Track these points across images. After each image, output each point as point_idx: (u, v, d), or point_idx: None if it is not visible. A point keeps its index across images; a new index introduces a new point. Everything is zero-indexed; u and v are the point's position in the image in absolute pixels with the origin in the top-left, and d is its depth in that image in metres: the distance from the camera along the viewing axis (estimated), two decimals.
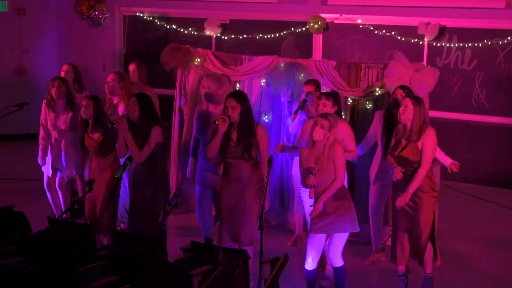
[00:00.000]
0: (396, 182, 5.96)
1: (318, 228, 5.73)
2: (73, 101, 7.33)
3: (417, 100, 5.87)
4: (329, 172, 5.65)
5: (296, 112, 6.99)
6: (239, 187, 5.94)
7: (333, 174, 5.66)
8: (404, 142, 5.88)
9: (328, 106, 6.44)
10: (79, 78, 8.01)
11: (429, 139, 5.82)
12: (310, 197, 5.73)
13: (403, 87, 6.59)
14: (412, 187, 5.83)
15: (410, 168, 5.88)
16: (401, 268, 6.11)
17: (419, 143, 5.81)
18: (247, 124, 5.89)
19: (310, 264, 5.81)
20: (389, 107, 6.64)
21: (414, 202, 5.89)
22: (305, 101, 6.95)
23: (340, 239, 5.77)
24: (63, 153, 7.33)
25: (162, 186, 6.18)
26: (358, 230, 5.85)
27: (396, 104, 6.41)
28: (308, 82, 7.09)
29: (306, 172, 5.70)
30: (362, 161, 7.03)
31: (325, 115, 5.73)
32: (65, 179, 7.43)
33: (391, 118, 6.51)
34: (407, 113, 5.79)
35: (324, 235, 5.78)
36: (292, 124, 7.16)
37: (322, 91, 7.02)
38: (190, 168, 7.09)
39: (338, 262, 5.82)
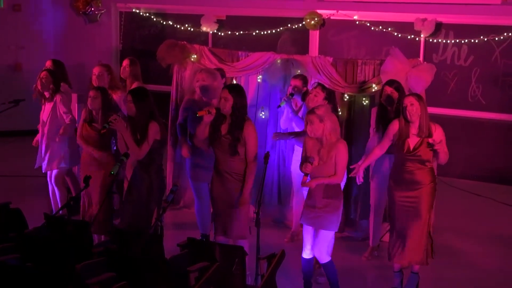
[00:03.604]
0: (398, 180, 5.99)
1: (306, 219, 5.78)
2: (55, 92, 7.31)
3: (419, 96, 5.92)
4: (328, 167, 5.65)
5: (279, 106, 7.09)
6: (228, 180, 5.94)
7: (333, 169, 5.66)
8: (413, 140, 5.87)
9: (319, 97, 6.48)
10: (62, 72, 7.92)
11: (441, 134, 5.88)
12: (302, 186, 5.75)
13: (390, 83, 6.63)
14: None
15: (417, 164, 5.89)
16: (397, 264, 6.12)
17: (430, 140, 5.83)
18: (239, 117, 5.86)
19: (308, 252, 5.84)
20: (381, 103, 6.67)
21: (415, 197, 5.89)
22: (291, 94, 6.98)
23: (325, 236, 5.76)
24: (44, 146, 7.34)
25: (158, 182, 6.16)
26: (337, 230, 5.84)
27: (390, 100, 6.48)
28: (296, 77, 7.13)
29: (305, 159, 5.71)
30: (359, 156, 7.03)
31: (311, 111, 5.72)
32: (57, 172, 7.44)
33: (385, 114, 6.58)
34: (415, 110, 5.80)
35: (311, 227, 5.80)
36: (282, 119, 7.20)
37: (318, 82, 7.04)
38: (185, 149, 6.87)
39: (324, 258, 5.82)
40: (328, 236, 5.78)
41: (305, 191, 6.26)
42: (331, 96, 6.67)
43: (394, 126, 5.99)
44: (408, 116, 5.82)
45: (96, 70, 7.43)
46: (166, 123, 8.40)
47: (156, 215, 6.05)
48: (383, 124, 6.56)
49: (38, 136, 7.53)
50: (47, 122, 7.34)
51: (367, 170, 6.91)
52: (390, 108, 6.56)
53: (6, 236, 5.46)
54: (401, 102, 6.07)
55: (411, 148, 5.88)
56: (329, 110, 5.77)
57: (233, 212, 5.91)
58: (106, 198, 6.23)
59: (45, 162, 7.40)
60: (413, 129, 5.88)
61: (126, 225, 6.11)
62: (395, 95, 6.50)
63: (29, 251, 5.24)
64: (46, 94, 7.33)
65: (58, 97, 7.30)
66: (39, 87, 7.29)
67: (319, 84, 6.79)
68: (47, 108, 7.36)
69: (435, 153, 5.86)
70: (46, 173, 7.57)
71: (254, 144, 5.90)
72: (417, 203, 5.91)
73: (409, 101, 5.84)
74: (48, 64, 7.94)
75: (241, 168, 5.91)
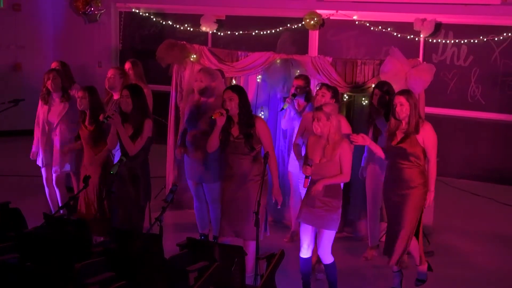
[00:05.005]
0: (388, 177, 5.99)
1: (304, 217, 5.76)
2: (68, 93, 7.33)
3: (409, 94, 5.88)
4: (332, 165, 5.64)
5: (282, 108, 7.06)
6: (241, 182, 5.96)
7: (337, 167, 5.65)
8: (400, 135, 5.88)
9: (326, 97, 6.48)
10: (69, 74, 7.95)
11: (430, 135, 5.84)
12: (304, 187, 5.75)
13: (380, 86, 6.68)
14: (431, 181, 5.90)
15: (404, 161, 5.87)
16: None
17: (419, 137, 5.82)
18: (246, 115, 5.91)
19: (305, 251, 5.83)
20: (371, 103, 6.74)
21: (402, 195, 5.87)
22: (294, 95, 6.97)
23: (328, 236, 5.75)
24: (56, 148, 7.33)
25: (144, 179, 6.20)
26: (336, 230, 5.81)
27: (380, 103, 6.58)
28: (298, 77, 7.13)
29: (305, 161, 5.71)
30: (359, 156, 7.03)
31: (319, 108, 5.73)
32: (59, 174, 7.42)
33: (376, 114, 6.67)
34: (404, 110, 5.80)
35: (311, 226, 5.79)
36: (284, 120, 7.19)
37: (322, 83, 7.05)
38: (178, 153, 6.92)
39: (328, 259, 5.81)
40: (331, 236, 5.77)
41: (302, 191, 6.26)
42: (336, 94, 6.68)
43: None
44: (397, 116, 5.83)
45: (109, 73, 7.42)
46: (166, 123, 8.41)
47: (149, 211, 6.10)
48: (374, 125, 6.65)
49: (38, 135, 7.47)
50: (60, 125, 7.25)
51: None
52: (381, 110, 6.61)
53: (5, 235, 5.46)
54: (391, 102, 6.09)
55: (397, 141, 5.88)
56: (336, 110, 5.79)
57: (247, 214, 5.89)
58: (105, 198, 6.24)
59: (59, 164, 7.36)
60: (402, 125, 5.88)
61: (119, 223, 6.12)
62: (385, 98, 6.54)
63: (29, 250, 5.24)
64: (56, 95, 7.30)
65: (73, 100, 7.30)
66: (51, 88, 7.25)
67: (323, 84, 6.79)
68: (56, 109, 7.30)
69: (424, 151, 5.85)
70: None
71: (269, 136, 6.01)
72: (403, 203, 5.85)
73: (398, 101, 5.82)
74: (55, 65, 7.91)
75: (255, 168, 5.97)
